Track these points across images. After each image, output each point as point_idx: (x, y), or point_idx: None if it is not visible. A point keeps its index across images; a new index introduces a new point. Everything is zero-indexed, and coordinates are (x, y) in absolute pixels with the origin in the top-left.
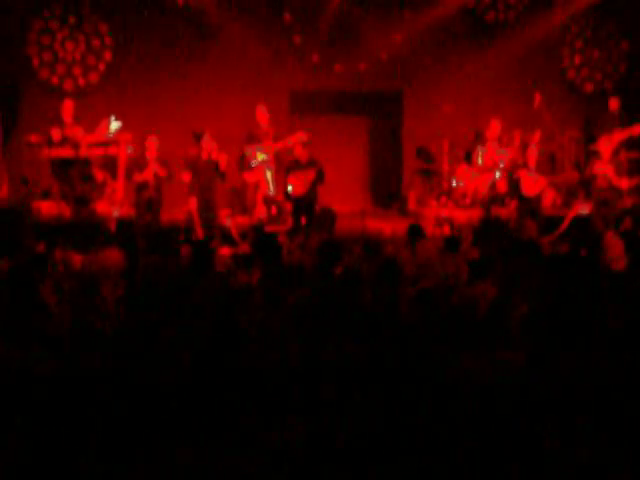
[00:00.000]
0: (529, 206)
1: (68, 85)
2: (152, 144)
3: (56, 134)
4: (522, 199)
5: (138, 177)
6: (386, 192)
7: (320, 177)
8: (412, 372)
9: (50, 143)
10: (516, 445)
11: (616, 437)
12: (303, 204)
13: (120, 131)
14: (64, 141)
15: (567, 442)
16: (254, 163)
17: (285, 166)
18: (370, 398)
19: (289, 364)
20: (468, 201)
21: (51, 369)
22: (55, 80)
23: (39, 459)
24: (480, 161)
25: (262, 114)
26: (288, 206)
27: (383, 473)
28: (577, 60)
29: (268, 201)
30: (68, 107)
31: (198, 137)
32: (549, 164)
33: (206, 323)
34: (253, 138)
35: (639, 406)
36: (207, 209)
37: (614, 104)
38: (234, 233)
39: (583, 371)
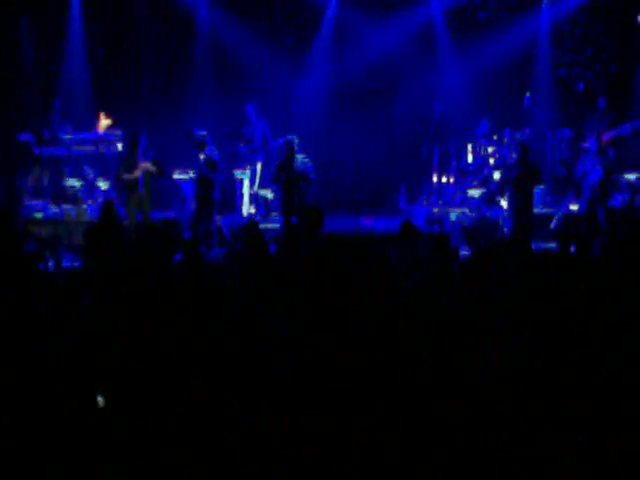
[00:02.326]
0: (522, 205)
1: (60, 83)
2: (142, 142)
3: (46, 133)
4: (517, 198)
5: (128, 176)
6: (377, 190)
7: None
8: (406, 371)
9: (41, 142)
10: (516, 441)
11: (614, 433)
12: (296, 203)
13: (110, 129)
14: (54, 140)
15: (565, 439)
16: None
17: (278, 164)
18: (367, 396)
19: (283, 362)
20: (458, 199)
21: (44, 369)
22: (47, 78)
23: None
24: (471, 159)
25: (248, 114)
26: (275, 203)
27: (379, 468)
28: (568, 59)
29: (257, 198)
30: (59, 106)
31: (190, 135)
32: (540, 162)
33: (197, 322)
34: (240, 136)
35: (636, 401)
36: (205, 209)
37: (604, 103)
38: (224, 232)
39: (576, 368)
